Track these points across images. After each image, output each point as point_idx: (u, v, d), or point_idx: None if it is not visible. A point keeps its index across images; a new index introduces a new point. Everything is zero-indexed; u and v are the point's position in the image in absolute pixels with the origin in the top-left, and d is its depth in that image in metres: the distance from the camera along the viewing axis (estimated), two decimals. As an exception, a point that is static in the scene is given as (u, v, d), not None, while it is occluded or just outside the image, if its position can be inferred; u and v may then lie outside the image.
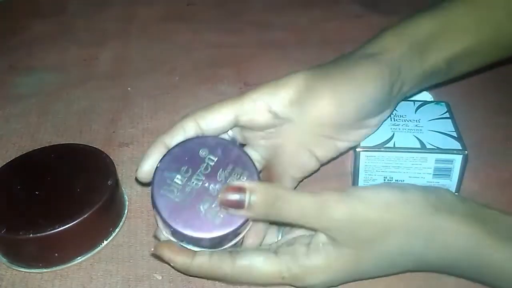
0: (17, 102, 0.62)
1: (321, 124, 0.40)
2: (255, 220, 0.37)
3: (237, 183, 0.35)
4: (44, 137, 0.56)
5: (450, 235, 0.35)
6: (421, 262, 0.36)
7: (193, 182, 0.37)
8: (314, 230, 0.36)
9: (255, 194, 0.34)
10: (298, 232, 0.38)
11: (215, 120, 0.39)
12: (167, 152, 0.38)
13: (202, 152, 0.38)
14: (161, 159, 0.38)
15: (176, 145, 0.38)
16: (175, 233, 0.36)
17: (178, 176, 0.37)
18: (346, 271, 0.36)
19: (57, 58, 0.71)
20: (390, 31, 0.43)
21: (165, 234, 0.37)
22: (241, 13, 0.81)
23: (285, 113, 0.40)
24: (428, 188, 0.37)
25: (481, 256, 0.34)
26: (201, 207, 0.36)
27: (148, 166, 0.38)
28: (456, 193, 0.38)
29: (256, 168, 0.38)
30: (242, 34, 0.75)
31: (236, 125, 0.40)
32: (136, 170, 0.39)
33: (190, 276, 0.38)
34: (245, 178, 0.37)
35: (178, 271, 0.38)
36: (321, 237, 0.35)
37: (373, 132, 0.43)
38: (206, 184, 0.37)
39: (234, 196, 0.34)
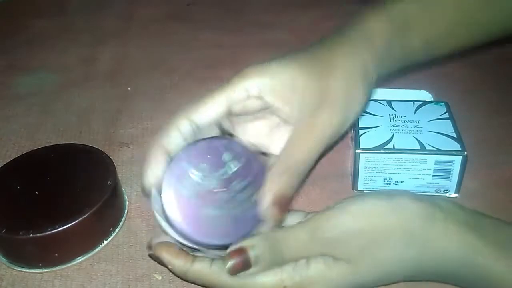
0: (17, 102, 0.62)
1: (309, 115, 0.39)
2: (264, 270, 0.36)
3: (236, 246, 0.35)
4: (44, 137, 0.56)
5: (446, 244, 0.34)
6: (418, 271, 0.36)
7: (206, 182, 0.36)
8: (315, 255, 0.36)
9: (256, 248, 0.34)
10: None
11: (208, 113, 0.39)
12: (193, 143, 0.37)
13: (226, 156, 0.37)
14: (186, 148, 0.37)
15: (204, 139, 0.38)
16: (169, 222, 0.35)
17: (195, 171, 0.36)
18: (345, 282, 0.35)
19: (57, 58, 0.71)
20: (375, 15, 0.43)
21: (157, 217, 0.37)
22: (241, 13, 0.81)
23: (277, 103, 0.39)
24: (420, 196, 0.36)
25: (480, 267, 0.34)
26: (204, 210, 0.36)
27: (153, 177, 0.37)
28: (455, 202, 0.37)
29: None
30: (242, 34, 0.75)
31: (228, 114, 0.40)
32: (141, 181, 0.38)
33: (188, 281, 0.38)
34: (254, 199, 0.36)
35: (176, 274, 0.37)
36: None
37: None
38: (216, 190, 0.36)
39: (239, 260, 0.34)
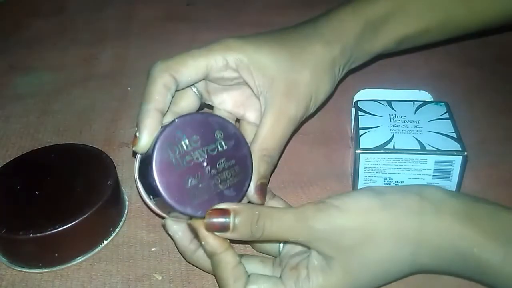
0: (17, 102, 0.62)
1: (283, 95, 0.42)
2: (240, 240, 0.36)
3: (221, 205, 0.35)
4: (44, 137, 0.56)
5: (441, 236, 0.34)
6: (417, 266, 0.35)
7: (195, 154, 0.37)
8: (300, 243, 0.36)
9: (239, 215, 0.34)
10: (297, 247, 0.38)
11: (189, 74, 0.40)
12: (189, 114, 0.40)
13: (218, 134, 0.38)
14: (181, 116, 0.37)
15: (200, 113, 0.40)
16: (151, 185, 0.36)
17: (186, 141, 0.37)
18: (343, 284, 0.35)
19: (57, 58, 0.71)
20: (347, 9, 0.46)
21: (136, 178, 0.38)
22: (241, 13, 0.81)
23: (251, 81, 0.42)
24: (411, 189, 0.36)
25: (476, 258, 0.33)
26: (190, 180, 0.36)
27: (148, 139, 0.37)
28: (447, 190, 0.36)
29: (251, 176, 0.39)
30: (242, 34, 0.75)
31: (205, 79, 0.42)
32: (133, 142, 0.37)
33: (197, 267, 0.39)
34: (236, 180, 0.38)
35: (184, 256, 0.39)
36: (314, 256, 0.35)
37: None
38: (205, 164, 0.37)
39: (219, 220, 0.34)
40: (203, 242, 0.35)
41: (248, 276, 0.36)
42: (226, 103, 0.45)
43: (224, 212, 0.34)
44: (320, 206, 0.35)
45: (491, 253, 0.33)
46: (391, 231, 0.34)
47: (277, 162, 0.42)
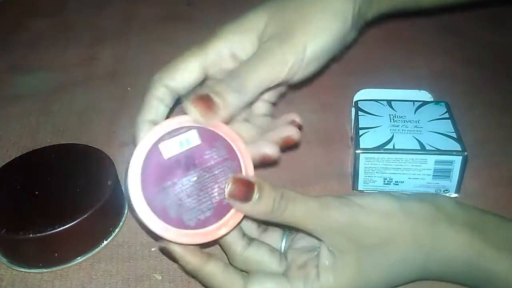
0: (17, 102, 0.62)
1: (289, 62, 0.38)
2: (256, 219, 0.36)
3: (247, 176, 0.34)
4: (44, 137, 0.56)
5: (451, 245, 0.34)
6: (425, 272, 0.36)
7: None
8: (315, 234, 0.35)
9: (263, 190, 0.33)
10: (301, 242, 0.38)
11: (185, 80, 0.39)
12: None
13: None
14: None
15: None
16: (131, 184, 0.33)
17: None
18: (354, 284, 0.35)
19: (57, 58, 0.71)
20: None
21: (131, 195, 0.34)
22: (240, 13, 0.81)
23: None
24: (426, 198, 0.36)
25: (482, 268, 0.34)
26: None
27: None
28: (457, 201, 0.37)
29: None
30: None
31: (205, 78, 0.40)
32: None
33: (195, 279, 0.37)
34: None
35: (185, 271, 0.37)
36: (325, 255, 0.35)
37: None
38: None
39: (243, 190, 0.33)
40: (181, 263, 0.35)
41: (249, 274, 0.36)
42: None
43: (249, 184, 0.33)
44: (343, 200, 0.34)
45: (497, 262, 0.34)
46: (408, 237, 0.34)
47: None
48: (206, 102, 0.35)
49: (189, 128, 0.35)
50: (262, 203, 0.33)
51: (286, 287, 0.34)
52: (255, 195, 0.33)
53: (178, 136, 0.35)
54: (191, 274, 0.36)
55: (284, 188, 0.34)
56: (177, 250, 0.34)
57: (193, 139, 0.35)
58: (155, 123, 0.37)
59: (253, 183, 0.33)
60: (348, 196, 0.35)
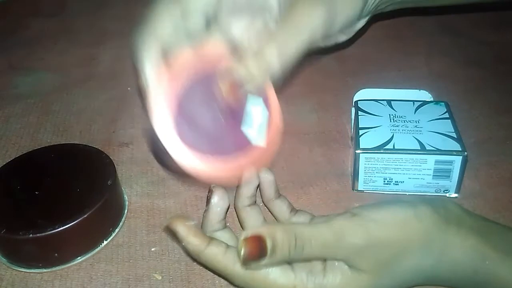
0: (17, 102, 0.62)
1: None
2: (277, 263, 0.34)
3: (254, 232, 0.32)
4: (44, 137, 0.56)
5: (459, 249, 0.34)
6: (432, 278, 0.36)
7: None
8: (336, 260, 0.34)
9: (276, 240, 0.32)
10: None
11: (199, 1, 0.38)
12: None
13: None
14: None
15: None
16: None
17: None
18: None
19: (57, 58, 0.71)
20: None
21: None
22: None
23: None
24: (436, 202, 0.36)
25: (487, 270, 0.34)
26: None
27: (153, 70, 0.36)
28: (461, 205, 0.37)
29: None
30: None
31: (217, 5, 0.38)
32: (141, 73, 0.36)
33: (197, 263, 0.37)
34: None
35: (187, 253, 0.36)
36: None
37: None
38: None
39: (255, 248, 0.32)
40: (183, 243, 0.34)
41: None
42: (237, 30, 0.40)
43: (259, 239, 0.32)
44: (357, 220, 0.34)
45: (501, 265, 0.34)
46: (421, 243, 0.34)
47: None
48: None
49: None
50: (278, 253, 0.32)
51: (290, 275, 0.34)
52: (269, 248, 0.32)
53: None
54: (193, 256, 0.35)
55: (295, 224, 0.35)
56: (180, 230, 0.34)
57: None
58: (160, 40, 0.37)
59: (263, 237, 0.32)
60: (359, 211, 0.35)
